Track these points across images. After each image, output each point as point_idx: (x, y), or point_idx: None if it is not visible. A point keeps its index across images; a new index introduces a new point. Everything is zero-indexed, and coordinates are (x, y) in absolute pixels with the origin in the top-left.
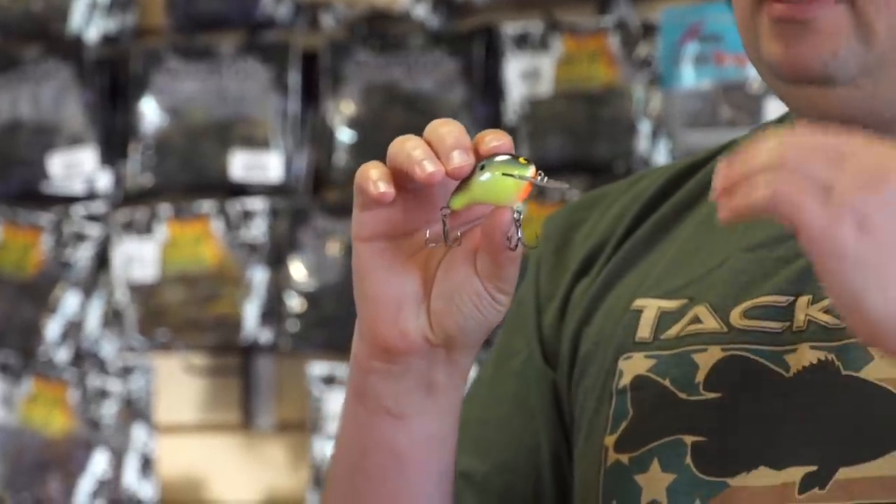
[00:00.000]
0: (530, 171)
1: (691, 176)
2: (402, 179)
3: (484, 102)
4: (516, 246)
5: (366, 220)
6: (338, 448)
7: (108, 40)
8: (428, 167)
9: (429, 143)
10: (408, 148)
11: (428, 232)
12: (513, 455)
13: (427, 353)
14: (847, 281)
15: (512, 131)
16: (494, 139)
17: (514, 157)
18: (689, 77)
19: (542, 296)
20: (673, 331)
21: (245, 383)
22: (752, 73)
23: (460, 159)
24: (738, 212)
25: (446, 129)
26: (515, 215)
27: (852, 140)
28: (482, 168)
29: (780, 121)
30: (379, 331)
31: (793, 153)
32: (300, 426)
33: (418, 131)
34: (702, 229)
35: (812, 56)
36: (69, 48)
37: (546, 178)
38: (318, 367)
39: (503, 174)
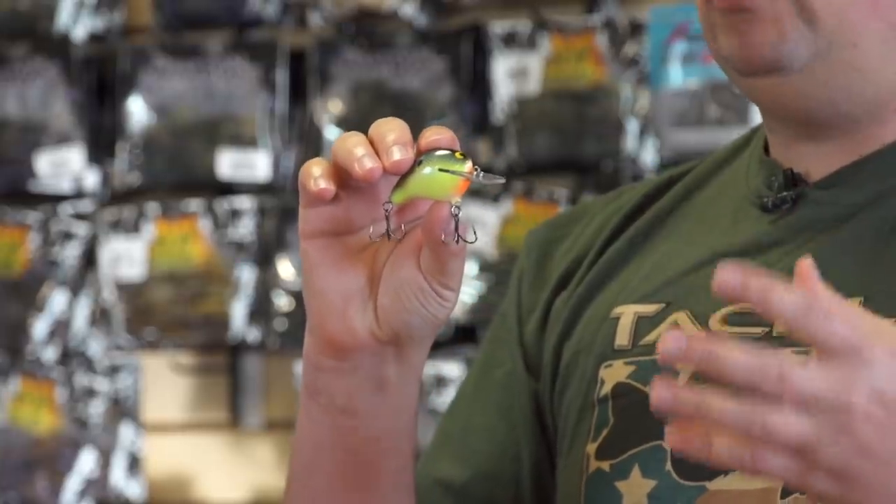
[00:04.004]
0: (467, 166)
1: (668, 188)
2: (344, 176)
3: (471, 101)
4: (456, 240)
5: (310, 217)
6: (294, 447)
7: (95, 39)
8: (367, 163)
9: (371, 141)
10: (348, 145)
11: (372, 227)
12: (494, 464)
13: (376, 350)
14: None
15: (499, 130)
16: (434, 133)
17: (453, 153)
18: (677, 76)
19: (524, 308)
20: (652, 336)
21: (233, 382)
22: None
23: (399, 154)
24: (690, 451)
25: (388, 127)
26: (454, 210)
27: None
28: (420, 163)
29: (755, 131)
30: (326, 327)
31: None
32: (288, 425)
33: None
34: (677, 238)
35: (761, 44)
36: (56, 47)
37: (482, 174)
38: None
39: (440, 169)
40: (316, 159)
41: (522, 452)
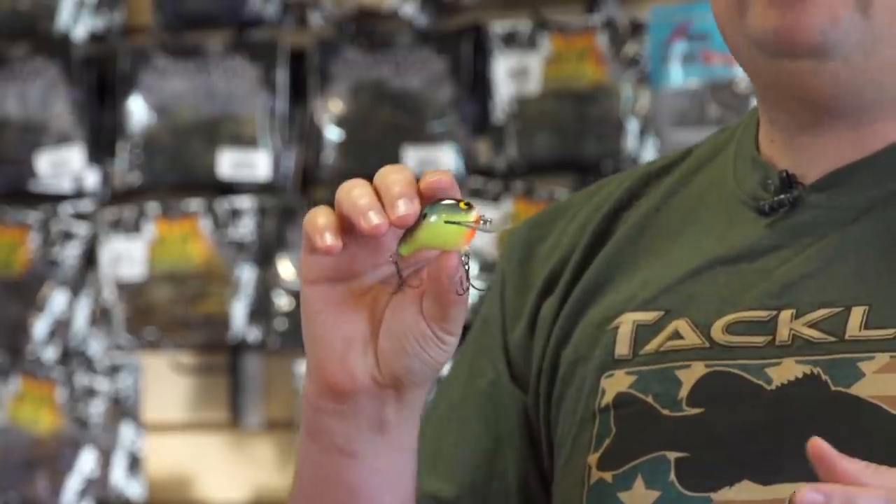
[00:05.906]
0: (472, 215)
1: (649, 184)
2: (348, 226)
3: (472, 101)
4: (465, 290)
5: (314, 263)
6: (295, 485)
7: (95, 38)
8: (373, 219)
9: (375, 190)
10: (354, 196)
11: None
12: (482, 478)
13: (375, 393)
14: None
15: (500, 130)
16: (435, 181)
17: (457, 202)
18: (677, 76)
19: (509, 314)
20: (652, 345)
21: (233, 382)
22: (739, 72)
23: (405, 209)
24: None
25: (393, 178)
26: (462, 259)
27: None
28: (426, 215)
29: (738, 125)
30: (327, 371)
31: None
32: (288, 425)
33: (406, 130)
34: (669, 240)
35: (811, 24)
36: (57, 46)
37: (490, 223)
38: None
39: (446, 221)
40: (321, 208)
41: (508, 466)
